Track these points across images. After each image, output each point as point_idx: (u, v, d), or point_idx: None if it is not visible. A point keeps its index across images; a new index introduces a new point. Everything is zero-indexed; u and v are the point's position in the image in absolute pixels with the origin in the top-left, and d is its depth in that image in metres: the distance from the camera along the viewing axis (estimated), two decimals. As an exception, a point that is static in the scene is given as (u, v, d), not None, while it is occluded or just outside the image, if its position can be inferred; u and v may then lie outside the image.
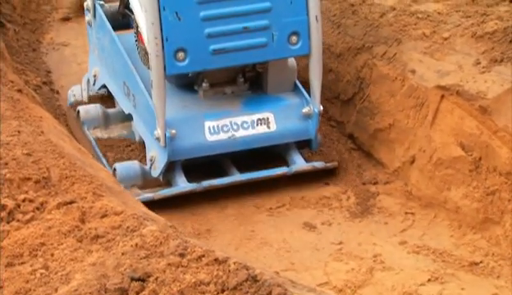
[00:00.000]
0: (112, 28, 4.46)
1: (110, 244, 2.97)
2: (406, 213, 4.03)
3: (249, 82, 4.34)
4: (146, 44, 4.07)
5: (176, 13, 3.98)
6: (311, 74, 4.23)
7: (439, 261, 3.68)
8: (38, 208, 3.17)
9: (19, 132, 3.63)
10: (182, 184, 4.14)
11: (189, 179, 4.17)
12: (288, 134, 4.25)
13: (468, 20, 4.25)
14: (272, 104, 4.28)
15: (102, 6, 4.61)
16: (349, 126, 4.58)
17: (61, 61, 5.34)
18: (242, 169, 4.27)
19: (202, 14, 4.01)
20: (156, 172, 4.18)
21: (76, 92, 4.74)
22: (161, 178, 4.21)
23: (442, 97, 4.01)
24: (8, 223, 3.06)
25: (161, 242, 2.92)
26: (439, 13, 4.43)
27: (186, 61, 4.01)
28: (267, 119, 4.22)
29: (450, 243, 3.81)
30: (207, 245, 2.95)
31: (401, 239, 3.86)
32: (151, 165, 4.19)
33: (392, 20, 4.48)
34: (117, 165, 4.24)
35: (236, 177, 4.21)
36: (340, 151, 4.49)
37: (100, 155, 4.40)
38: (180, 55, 4.00)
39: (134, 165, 4.25)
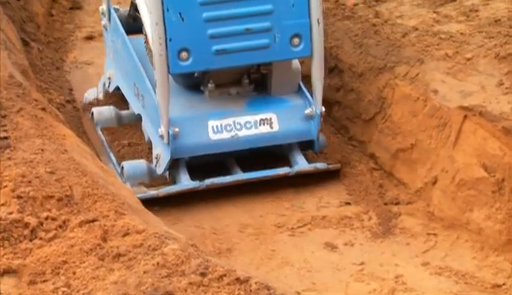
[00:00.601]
0: (126, 32, 4.58)
1: (132, 263, 2.97)
2: (428, 234, 4.00)
3: (254, 83, 4.43)
4: (150, 44, 4.18)
5: (180, 14, 4.06)
6: (313, 76, 4.32)
7: (461, 283, 3.64)
8: (60, 226, 3.17)
9: (42, 150, 3.64)
10: (185, 182, 4.23)
11: (195, 179, 4.24)
12: (290, 135, 4.32)
13: (491, 41, 4.23)
14: (276, 105, 4.34)
15: (116, 10, 4.76)
16: (370, 146, 4.55)
17: (84, 79, 5.36)
18: (247, 169, 4.32)
19: (205, 15, 4.10)
20: (160, 169, 4.27)
21: (92, 94, 4.89)
22: (167, 176, 4.31)
23: (465, 117, 3.98)
24: (31, 241, 3.06)
25: (182, 261, 2.91)
26: (462, 34, 4.41)
27: (189, 61, 4.10)
28: (270, 119, 4.30)
29: (472, 265, 3.77)
30: (228, 264, 2.94)
31: (423, 260, 3.82)
32: (156, 162, 4.29)
33: (414, 41, 4.47)
34: (125, 164, 4.33)
35: (238, 176, 4.30)
36: (362, 170, 4.46)
37: (111, 154, 4.53)
38: (184, 55, 4.09)
39: (141, 163, 4.33)
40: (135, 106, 4.51)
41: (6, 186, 3.31)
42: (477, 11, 4.66)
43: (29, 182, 3.34)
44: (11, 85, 4.15)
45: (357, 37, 4.76)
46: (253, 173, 4.30)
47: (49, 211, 3.22)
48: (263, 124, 4.29)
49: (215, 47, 4.13)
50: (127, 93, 4.62)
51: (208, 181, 4.25)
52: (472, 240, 3.89)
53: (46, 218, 3.17)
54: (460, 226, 3.96)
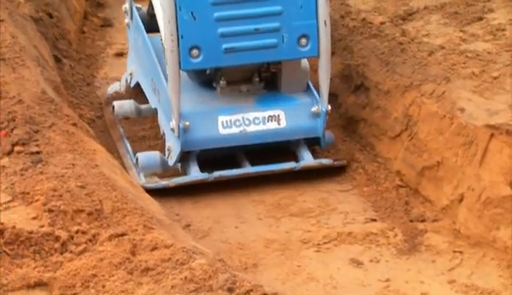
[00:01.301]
0: (147, 30, 4.75)
1: (160, 277, 2.98)
2: (454, 252, 3.97)
3: (265, 81, 4.58)
4: (163, 41, 4.31)
5: (192, 13, 4.19)
6: (320, 75, 4.41)
7: (487, 301, 3.62)
8: (90, 240, 3.19)
9: (73, 165, 3.67)
10: (195, 174, 4.38)
11: (207, 171, 4.40)
12: (297, 131, 4.45)
13: (518, 60, 4.21)
14: (284, 102, 4.46)
15: (139, 9, 4.93)
16: (396, 163, 4.53)
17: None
18: (256, 164, 4.47)
19: (216, 15, 4.23)
20: (171, 161, 4.43)
21: (115, 88, 5.09)
22: (179, 168, 4.46)
23: (491, 136, 3.95)
24: (62, 254, 3.08)
25: (210, 276, 2.92)
26: (488, 52, 4.39)
27: (200, 58, 4.24)
28: (278, 116, 4.43)
29: (498, 283, 3.73)
30: (254, 279, 2.93)
31: (449, 278, 3.79)
32: (168, 154, 4.45)
33: (441, 59, 4.45)
34: (139, 155, 4.51)
35: (246, 169, 4.44)
36: (388, 187, 4.45)
37: (128, 146, 4.70)
38: (194, 52, 4.23)
39: (155, 155, 4.49)
40: (152, 101, 4.69)
41: (37, 200, 3.35)
42: (503, 30, 4.64)
43: (61, 196, 3.36)
44: (43, 101, 4.19)
45: (383, 55, 4.75)
46: (260, 167, 4.44)
47: (79, 224, 3.24)
48: (271, 120, 4.42)
49: (225, 46, 4.26)
50: (146, 88, 4.79)
51: (217, 173, 4.39)
52: (498, 258, 3.86)
53: (76, 232, 3.20)
54: (486, 244, 3.92)
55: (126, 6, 4.95)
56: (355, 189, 4.47)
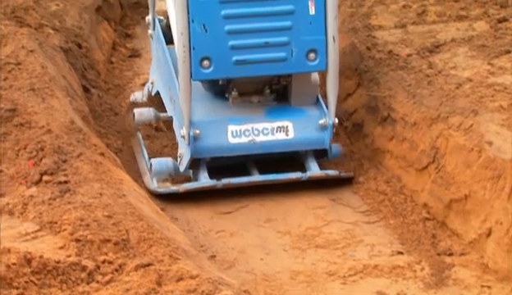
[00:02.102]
0: (168, 42, 4.89)
1: (186, 308, 2.96)
2: (482, 286, 3.91)
3: (276, 94, 4.67)
4: (176, 51, 4.45)
5: (204, 25, 4.33)
6: (328, 89, 4.54)
7: (516, 337, 3.55)
8: (116, 270, 3.18)
9: (101, 194, 3.68)
10: (204, 180, 4.53)
11: (217, 179, 4.55)
12: (304, 142, 4.59)
13: (547, 93, 4.18)
14: (293, 114, 4.60)
15: (160, 21, 5.09)
16: (423, 195, 4.49)
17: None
18: (266, 173, 4.61)
19: (227, 28, 4.35)
20: (182, 167, 4.58)
21: (137, 96, 5.28)
22: (191, 175, 4.62)
23: (520, 169, 3.92)
24: (88, 284, 3.07)
25: (235, 308, 2.90)
26: (516, 85, 4.37)
27: (211, 69, 4.39)
28: (287, 127, 4.57)
29: (527, 318, 3.67)
30: (281, 312, 2.91)
31: (477, 313, 3.75)
32: (179, 161, 4.60)
33: (469, 92, 4.42)
34: (153, 160, 4.66)
35: (253, 178, 4.58)
36: (415, 220, 4.41)
37: (145, 152, 4.86)
38: (206, 63, 4.38)
39: (167, 161, 4.63)
40: (169, 109, 4.86)
41: (65, 229, 3.35)
42: (532, 63, 4.62)
43: (88, 225, 3.37)
44: (71, 131, 4.22)
45: (410, 87, 4.73)
46: (267, 175, 4.58)
47: (106, 254, 3.24)
48: (280, 131, 4.55)
49: (235, 58, 4.40)
50: (164, 96, 4.97)
51: (225, 180, 4.53)
52: (526, 293, 3.80)
53: (103, 261, 3.19)
54: (515, 279, 3.87)
55: (149, 17, 5.14)
56: (381, 221, 4.44)
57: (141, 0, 6.47)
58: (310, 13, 4.38)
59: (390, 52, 5.04)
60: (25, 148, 3.92)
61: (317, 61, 4.45)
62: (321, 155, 4.68)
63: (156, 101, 5.15)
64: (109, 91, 5.58)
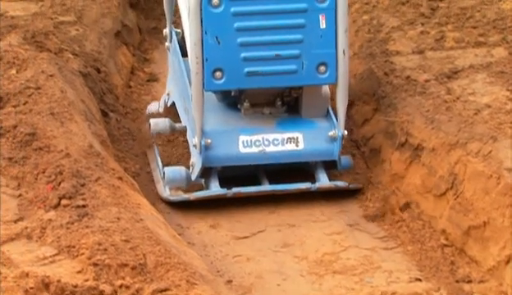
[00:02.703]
0: (184, 54, 4.97)
1: (203, 334, 2.94)
2: (501, 314, 3.88)
3: (287, 105, 4.77)
4: (189, 63, 4.58)
5: (216, 37, 4.43)
6: (337, 101, 4.64)
7: None
8: (134, 294, 3.17)
9: (118, 218, 3.68)
10: (214, 189, 4.63)
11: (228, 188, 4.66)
12: (314, 154, 4.68)
13: None
14: (303, 126, 4.69)
15: (177, 34, 5.18)
16: (441, 222, 4.46)
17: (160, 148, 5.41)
18: (275, 183, 4.71)
19: (239, 40, 4.45)
20: (193, 176, 4.70)
21: (154, 107, 5.37)
22: (203, 183, 4.72)
23: (539, 196, 3.89)
24: (105, 309, 3.07)
25: (252, 335, 2.88)
26: (535, 112, 4.34)
27: (223, 80, 4.49)
28: (297, 138, 4.65)
29: None
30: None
31: (496, 341, 3.70)
32: (191, 169, 4.72)
33: (487, 118, 4.41)
34: (166, 169, 4.77)
35: (263, 187, 4.68)
36: (433, 246, 4.38)
37: (159, 161, 4.97)
38: (218, 74, 4.48)
39: (180, 170, 4.73)
40: (183, 119, 4.96)
41: (83, 253, 3.35)
42: (550, 90, 4.60)
43: (105, 250, 3.37)
44: (90, 155, 4.23)
45: (428, 112, 4.71)
46: (276, 185, 4.68)
47: (123, 279, 3.24)
48: (290, 142, 4.64)
49: (247, 69, 4.47)
50: (179, 107, 5.08)
51: (236, 189, 4.63)
52: (547, 322, 3.76)
53: (120, 286, 3.19)
54: (534, 307, 3.83)
55: (167, 30, 5.26)
56: (399, 247, 4.41)
57: (159, 25, 6.50)
58: (321, 27, 4.46)
59: (408, 77, 5.03)
60: (43, 172, 3.94)
61: (327, 74, 4.54)
62: (331, 166, 4.75)
63: (172, 111, 5.24)
64: (127, 115, 5.60)
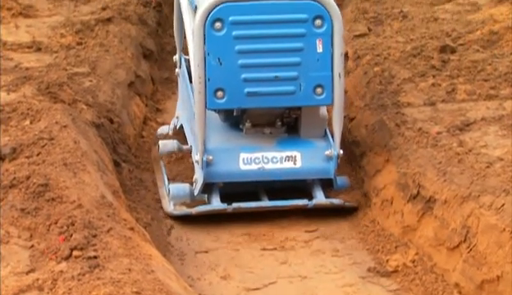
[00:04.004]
0: (192, 80, 5.19)
1: None
2: None
3: (287, 126, 5.02)
4: (193, 83, 4.82)
5: (219, 59, 4.67)
6: (333, 122, 4.88)
7: None
8: None
9: (129, 270, 3.66)
10: (215, 204, 4.87)
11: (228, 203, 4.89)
12: (310, 172, 4.92)
13: None
14: (301, 145, 4.93)
15: (186, 60, 5.50)
16: (454, 275, 4.42)
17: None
18: (274, 200, 4.94)
19: (240, 62, 4.69)
20: (196, 191, 4.94)
21: (164, 130, 5.67)
22: (206, 199, 4.96)
23: (553, 250, 3.85)
24: None
25: None
26: (548, 165, 4.32)
27: (224, 99, 4.72)
28: (295, 157, 4.88)
29: None
30: None
31: None
32: (194, 185, 4.96)
33: (500, 171, 4.39)
34: (171, 186, 5.05)
35: (261, 203, 4.90)
36: None
37: (166, 180, 5.23)
38: (220, 94, 4.71)
39: (184, 186, 5.00)
40: (189, 140, 5.21)
41: (94, 306, 3.33)
42: None
43: (117, 302, 3.34)
44: (102, 205, 4.23)
45: (440, 165, 4.70)
46: (275, 202, 4.89)
47: (134, 332, 3.21)
48: (288, 160, 4.87)
49: (247, 90, 4.70)
50: (186, 129, 5.36)
51: (235, 205, 4.84)
52: None
53: (130, 339, 3.16)
54: None
55: (176, 57, 5.59)
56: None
57: (172, 76, 6.55)
58: (318, 51, 4.69)
59: (420, 129, 5.03)
60: (56, 223, 3.93)
61: (323, 96, 4.76)
62: (328, 185, 4.97)
63: (180, 134, 5.51)
64: (139, 165, 5.61)
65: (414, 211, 4.77)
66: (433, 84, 5.42)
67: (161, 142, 5.30)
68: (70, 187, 4.23)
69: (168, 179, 5.25)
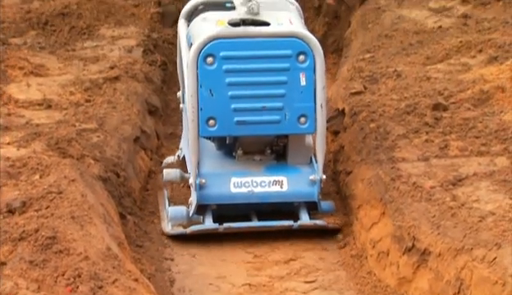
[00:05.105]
0: None
1: None
2: None
3: (276, 154, 5.29)
4: (187, 112, 5.11)
5: (210, 90, 4.95)
6: (316, 149, 5.16)
7: None
8: None
9: (134, 321, 3.63)
10: (208, 223, 5.13)
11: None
12: (296, 195, 5.18)
13: None
14: (288, 171, 5.20)
15: None
16: (449, 327, 4.38)
17: (177, 252, 5.38)
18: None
19: (230, 93, 4.97)
20: (191, 212, 5.21)
21: (169, 160, 5.89)
22: (201, 220, 5.20)
23: (545, 302, 3.82)
24: None
25: None
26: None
27: (215, 127, 5.01)
28: (282, 181, 5.15)
29: None
30: None
31: None
32: (190, 207, 5.22)
33: (492, 225, 4.37)
34: (170, 209, 5.33)
35: (250, 223, 5.16)
36: None
37: (166, 204, 5.47)
38: (211, 122, 5.00)
39: (181, 209, 5.27)
40: (189, 168, 5.34)
41: None
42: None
43: None
44: (107, 257, 4.21)
45: (434, 218, 4.69)
46: (263, 222, 5.16)
47: None
48: (275, 184, 5.13)
49: (236, 119, 4.98)
50: (187, 157, 5.54)
51: (226, 225, 5.11)
52: None
53: None
54: None
55: (180, 94, 5.80)
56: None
57: (176, 131, 6.57)
58: (301, 84, 4.98)
59: (414, 183, 5.03)
60: (63, 275, 3.92)
61: (307, 125, 5.03)
62: (313, 208, 5.22)
63: (184, 164, 5.65)
64: (144, 217, 5.61)
65: (410, 263, 4.75)
66: (427, 140, 5.44)
67: (165, 171, 5.54)
68: (77, 239, 4.22)
69: (169, 203, 5.46)
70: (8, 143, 5.33)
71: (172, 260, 5.18)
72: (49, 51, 7.05)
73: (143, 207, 5.70)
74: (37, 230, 4.20)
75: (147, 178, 6.10)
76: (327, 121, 6.09)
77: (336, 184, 5.72)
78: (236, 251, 5.16)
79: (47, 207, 4.49)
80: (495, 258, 4.17)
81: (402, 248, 4.82)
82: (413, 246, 4.75)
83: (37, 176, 4.86)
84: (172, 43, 7.27)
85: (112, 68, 6.67)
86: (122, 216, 5.27)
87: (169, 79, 7.24)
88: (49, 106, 6.00)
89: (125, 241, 4.86)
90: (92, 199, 4.78)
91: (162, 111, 6.82)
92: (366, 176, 5.37)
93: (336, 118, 6.11)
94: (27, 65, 6.53)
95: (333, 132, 6.07)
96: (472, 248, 4.32)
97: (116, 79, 6.47)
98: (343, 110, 6.04)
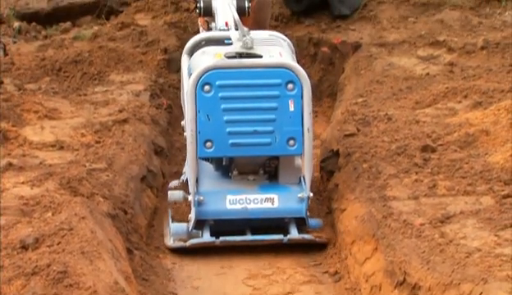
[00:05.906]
0: None
1: None
2: None
3: (268, 174, 5.48)
4: (186, 135, 5.36)
5: (207, 115, 5.19)
6: (304, 169, 5.38)
7: None
8: None
9: None
10: (206, 237, 5.32)
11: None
12: (286, 211, 5.39)
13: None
14: (279, 189, 5.41)
15: None
16: None
17: (181, 282, 5.36)
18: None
19: (225, 118, 5.20)
20: (190, 227, 5.40)
21: (174, 183, 6.00)
22: (200, 235, 5.38)
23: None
24: None
25: None
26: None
27: (212, 149, 5.22)
28: (273, 198, 5.36)
29: None
30: None
31: None
32: (189, 223, 5.40)
33: (478, 261, 4.36)
34: (172, 225, 5.53)
35: (244, 237, 5.35)
36: None
37: (170, 223, 5.62)
38: (208, 144, 5.21)
39: (182, 225, 5.45)
40: (191, 189, 5.50)
41: None
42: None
43: None
44: (115, 291, 4.20)
45: (424, 254, 4.68)
46: (255, 236, 5.34)
47: None
48: (267, 201, 5.34)
49: (231, 141, 5.20)
50: (188, 180, 5.66)
51: (222, 238, 5.29)
52: None
53: None
54: None
55: (183, 122, 5.96)
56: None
57: (181, 169, 6.58)
58: (290, 109, 5.20)
59: (405, 221, 5.03)
60: (73, 308, 3.90)
61: (295, 147, 5.24)
62: (302, 223, 5.39)
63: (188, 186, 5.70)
64: (150, 252, 5.59)
65: (401, 296, 4.73)
66: (416, 180, 5.45)
67: (169, 192, 5.71)
68: (86, 274, 4.21)
69: (172, 220, 5.63)
70: (23, 183, 5.35)
71: (176, 294, 5.16)
72: (62, 95, 7.10)
73: (149, 243, 5.68)
74: (49, 265, 4.19)
75: (153, 214, 6.10)
76: (322, 161, 6.17)
77: (331, 221, 5.73)
78: (237, 285, 5.15)
79: (58, 243, 4.48)
80: (481, 293, 4.15)
81: (394, 282, 4.81)
82: (405, 280, 4.73)
83: (49, 214, 4.87)
84: (177, 87, 7.32)
85: (120, 111, 6.71)
86: (129, 251, 5.26)
87: (174, 121, 7.27)
88: (61, 148, 6.02)
89: (132, 275, 4.85)
90: (101, 235, 4.78)
91: (168, 151, 6.84)
92: (359, 213, 5.37)
93: (331, 158, 6.13)
94: (41, 109, 6.57)
95: (328, 172, 6.09)
96: (459, 283, 4.30)
97: (125, 121, 6.50)
98: (337, 151, 6.05)
